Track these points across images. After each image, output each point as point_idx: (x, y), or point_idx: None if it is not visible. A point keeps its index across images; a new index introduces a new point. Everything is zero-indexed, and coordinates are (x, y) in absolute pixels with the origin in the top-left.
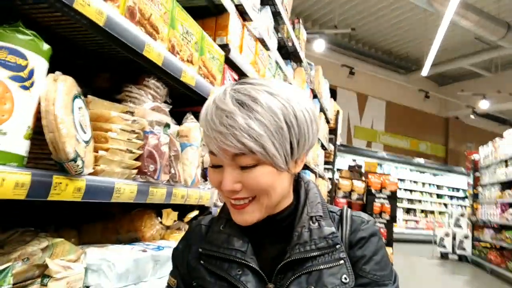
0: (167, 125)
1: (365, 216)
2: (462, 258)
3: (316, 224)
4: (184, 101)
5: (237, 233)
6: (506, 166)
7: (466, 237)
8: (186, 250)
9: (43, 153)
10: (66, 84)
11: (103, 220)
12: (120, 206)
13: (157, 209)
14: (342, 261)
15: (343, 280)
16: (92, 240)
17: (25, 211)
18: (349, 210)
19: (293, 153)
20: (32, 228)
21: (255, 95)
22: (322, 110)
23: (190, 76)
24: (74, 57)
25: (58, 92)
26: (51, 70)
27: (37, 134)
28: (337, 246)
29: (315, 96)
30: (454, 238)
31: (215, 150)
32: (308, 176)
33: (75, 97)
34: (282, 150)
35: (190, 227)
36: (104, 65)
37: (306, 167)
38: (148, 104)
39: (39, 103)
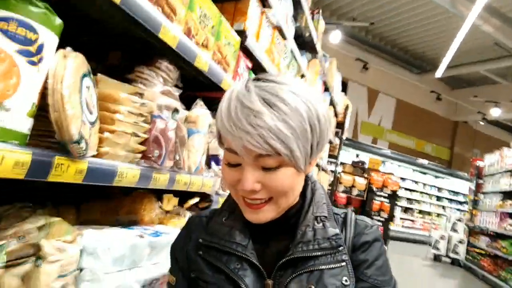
0: (175, 111)
1: (369, 220)
2: (454, 262)
3: (321, 224)
4: (195, 85)
5: (240, 227)
6: (511, 177)
7: (461, 241)
8: (186, 240)
9: (47, 130)
10: (75, 62)
11: (103, 200)
12: (123, 188)
13: (158, 193)
14: (344, 263)
15: (344, 282)
16: (90, 219)
17: (26, 189)
18: (353, 213)
19: (312, 155)
20: (31, 204)
21: (282, 96)
22: (332, 103)
23: (204, 61)
24: (88, 33)
25: (67, 70)
26: (63, 44)
27: (43, 110)
28: (340, 248)
29: (326, 89)
30: (449, 241)
31: (238, 149)
32: None
33: (84, 75)
34: (304, 152)
35: (189, 219)
36: (118, 43)
37: None
38: (158, 87)
39: (46, 80)
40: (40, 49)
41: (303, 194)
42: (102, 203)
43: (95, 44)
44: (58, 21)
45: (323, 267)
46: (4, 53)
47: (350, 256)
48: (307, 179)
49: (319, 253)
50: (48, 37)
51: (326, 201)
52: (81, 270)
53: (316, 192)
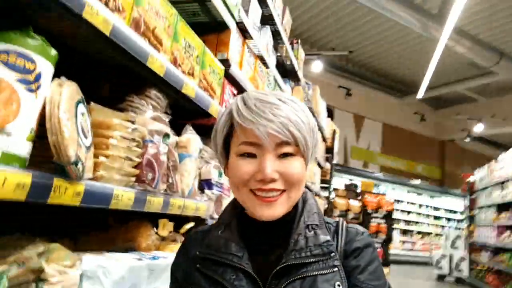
0: (166, 135)
1: (360, 228)
2: (459, 280)
3: (312, 232)
4: (184, 113)
5: (235, 239)
6: (502, 189)
7: (463, 259)
8: (184, 257)
9: (44, 156)
10: (70, 89)
11: (99, 231)
12: (118, 216)
13: (153, 219)
14: (336, 269)
15: (336, 286)
16: (88, 249)
17: (23, 219)
18: (344, 222)
19: (311, 155)
20: (28, 233)
21: (292, 98)
22: (319, 129)
23: (191, 88)
24: (78, 65)
25: (63, 96)
26: (56, 76)
27: (39, 138)
28: (332, 254)
29: (312, 115)
30: (451, 260)
31: (262, 135)
32: None
33: (78, 102)
34: (311, 146)
35: (187, 235)
36: (107, 74)
37: None
38: (149, 113)
39: (43, 107)
40: (38, 77)
41: (295, 204)
42: (98, 234)
43: (86, 76)
44: (53, 52)
45: (316, 272)
46: (5, 82)
47: (342, 263)
48: None
49: (311, 259)
50: (45, 67)
51: (317, 211)
52: None
53: (307, 202)
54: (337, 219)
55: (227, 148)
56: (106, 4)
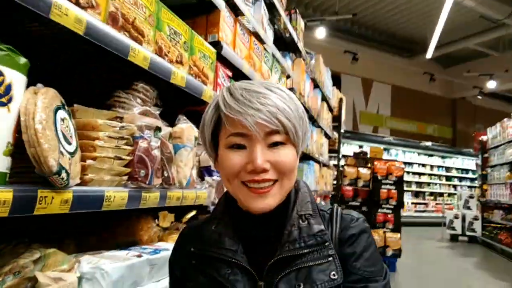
0: (157, 129)
1: (355, 214)
2: (472, 240)
3: (306, 222)
4: (177, 101)
5: (229, 233)
6: None
7: (475, 218)
8: (180, 253)
9: (28, 166)
10: (46, 97)
11: (100, 227)
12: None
13: (155, 212)
14: (330, 258)
15: (332, 276)
16: (91, 247)
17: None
18: (339, 208)
19: (302, 143)
20: (26, 240)
21: (279, 86)
22: (324, 99)
23: (180, 76)
24: (64, 65)
25: (38, 106)
26: (43, 79)
27: (21, 148)
28: (326, 244)
29: (316, 86)
30: (463, 220)
31: (251, 126)
32: (312, 166)
33: (58, 108)
34: (301, 134)
35: (181, 232)
36: (95, 71)
37: (309, 157)
38: (136, 109)
39: (19, 118)
40: (8, 89)
41: (287, 195)
42: (101, 230)
43: (71, 76)
44: (22, 60)
45: (311, 263)
46: None
47: (338, 251)
48: None
49: (305, 250)
50: (14, 77)
51: (310, 199)
52: None
53: (299, 191)
54: (331, 206)
55: (216, 141)
56: (77, 2)
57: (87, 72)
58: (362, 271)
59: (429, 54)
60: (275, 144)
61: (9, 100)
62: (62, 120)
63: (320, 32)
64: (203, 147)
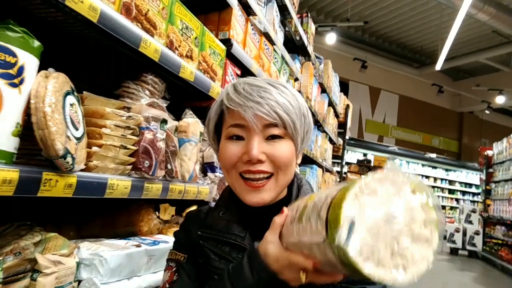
0: (163, 121)
1: None
2: (472, 254)
3: None
4: (185, 95)
5: (237, 220)
6: None
7: (477, 233)
8: (187, 232)
9: (35, 149)
10: (57, 81)
11: (101, 215)
12: (123, 201)
13: (157, 204)
14: None
15: None
16: (90, 234)
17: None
18: None
19: (304, 140)
20: (28, 222)
21: (283, 83)
22: (331, 104)
23: (189, 71)
24: (76, 52)
25: (48, 89)
26: (54, 64)
27: (29, 130)
28: None
29: (323, 91)
30: (464, 234)
31: (249, 117)
32: (315, 170)
33: (67, 93)
34: (301, 131)
35: (187, 214)
36: (105, 61)
37: (312, 161)
38: (144, 100)
39: (29, 100)
40: (20, 71)
41: (289, 190)
42: (100, 218)
43: (84, 62)
44: (36, 43)
45: None
46: None
47: None
48: (294, 175)
49: None
50: (27, 59)
51: None
52: (79, 282)
53: (302, 187)
54: None
55: (219, 134)
56: None
57: (98, 60)
58: None
59: (438, 66)
60: (273, 137)
61: (21, 82)
62: (71, 105)
63: (331, 38)
64: (208, 140)
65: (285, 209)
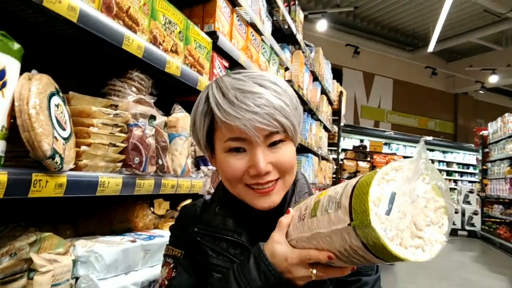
0: (152, 117)
1: None
2: (471, 234)
3: None
4: (172, 91)
5: (233, 216)
6: None
7: (475, 213)
8: (183, 228)
9: (24, 151)
10: (40, 83)
11: (96, 213)
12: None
13: (152, 200)
14: None
15: None
16: (87, 232)
17: (22, 208)
18: None
19: (298, 133)
20: (23, 223)
21: (271, 80)
22: (324, 92)
23: (175, 66)
24: (61, 53)
25: (32, 91)
26: (40, 65)
27: (16, 132)
28: None
29: (315, 79)
30: (463, 214)
31: (250, 131)
32: (311, 159)
33: (52, 94)
34: (298, 127)
35: (182, 208)
36: (91, 60)
37: (308, 150)
38: (131, 97)
39: (13, 103)
40: (2, 75)
41: None
42: (96, 216)
43: (69, 63)
44: (16, 46)
45: None
46: None
47: None
48: None
49: None
50: (8, 63)
51: (308, 190)
52: (77, 279)
53: (297, 182)
54: None
55: (211, 142)
56: None
57: (82, 60)
58: None
59: (430, 48)
60: (275, 143)
61: (3, 85)
62: (56, 106)
63: (322, 25)
64: (198, 147)
65: (290, 209)
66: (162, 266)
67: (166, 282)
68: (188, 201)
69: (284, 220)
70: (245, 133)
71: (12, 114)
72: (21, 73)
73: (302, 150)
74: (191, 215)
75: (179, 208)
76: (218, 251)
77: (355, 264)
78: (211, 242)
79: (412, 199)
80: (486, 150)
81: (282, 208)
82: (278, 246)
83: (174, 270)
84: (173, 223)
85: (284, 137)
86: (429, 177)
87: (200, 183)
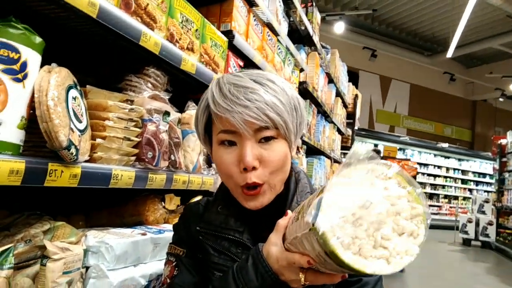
0: (166, 113)
1: None
2: (485, 245)
3: None
4: (187, 88)
5: (235, 215)
6: None
7: (490, 223)
8: (186, 226)
9: (41, 141)
10: (59, 76)
11: (108, 206)
12: (130, 193)
13: (163, 195)
14: None
15: None
16: (98, 224)
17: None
18: None
19: (296, 134)
20: (38, 212)
21: (268, 77)
22: (339, 94)
23: (190, 63)
24: (80, 47)
25: (51, 84)
26: (60, 59)
27: (35, 123)
28: None
29: (331, 81)
30: (477, 224)
31: (238, 124)
32: (323, 161)
33: (70, 87)
34: (293, 127)
35: (185, 207)
36: (109, 55)
37: (320, 152)
38: (146, 93)
39: (33, 94)
40: (23, 66)
41: (287, 184)
42: (108, 209)
43: (87, 58)
44: (38, 39)
45: None
46: None
47: None
48: (291, 169)
49: None
50: (30, 55)
51: (310, 190)
52: (87, 268)
53: (300, 182)
54: None
55: (209, 134)
56: None
57: (100, 55)
58: None
59: (449, 53)
60: (266, 139)
61: (24, 77)
62: (74, 98)
63: (339, 27)
64: (199, 141)
65: (289, 212)
66: (165, 264)
67: (168, 280)
68: (198, 198)
69: (282, 222)
70: (235, 126)
71: (31, 106)
72: (42, 66)
73: (315, 152)
74: (194, 214)
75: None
76: (220, 250)
77: (334, 271)
78: (212, 241)
79: (372, 199)
80: (504, 159)
81: (283, 207)
82: (273, 247)
83: (176, 269)
84: (180, 216)
85: (275, 134)
86: (402, 182)
87: (211, 180)
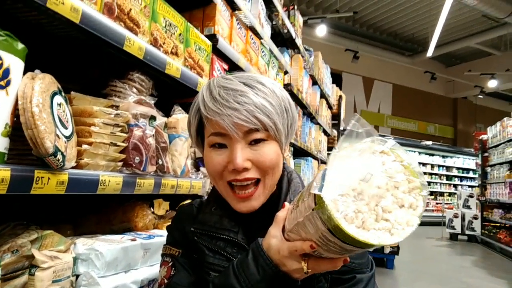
0: (152, 118)
1: None
2: (471, 239)
3: None
4: (172, 92)
5: (229, 216)
6: None
7: (475, 217)
8: (180, 227)
9: (26, 149)
10: (43, 82)
11: (97, 213)
12: (118, 199)
13: (152, 200)
14: None
15: None
16: (87, 231)
17: (23, 207)
18: None
19: (288, 135)
20: (24, 222)
21: (258, 80)
22: (323, 96)
23: (175, 68)
24: (64, 53)
25: (35, 90)
26: (43, 66)
27: (20, 131)
28: None
29: (315, 83)
30: (463, 219)
31: (228, 127)
32: (310, 162)
33: (54, 93)
34: (284, 129)
35: (179, 208)
36: (94, 61)
37: (307, 153)
38: (132, 98)
39: (17, 101)
40: (6, 73)
41: (279, 185)
42: (96, 216)
43: (72, 64)
44: (20, 46)
45: None
46: None
47: None
48: (283, 169)
49: None
50: (12, 62)
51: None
52: (77, 276)
53: (292, 181)
54: None
55: (202, 138)
56: None
57: (83, 61)
58: (350, 263)
59: (429, 53)
60: (256, 141)
61: (7, 84)
62: (59, 105)
63: (321, 30)
64: (192, 144)
65: (286, 204)
66: (161, 266)
67: (166, 281)
68: (188, 202)
69: (280, 214)
70: (225, 128)
71: (15, 113)
72: (25, 72)
73: (302, 153)
74: (187, 215)
75: (178, 209)
76: (215, 250)
77: (337, 253)
78: (207, 241)
79: (372, 172)
80: (486, 154)
81: (276, 207)
82: (273, 240)
83: (173, 268)
84: (173, 217)
85: (266, 136)
86: (397, 157)
87: (200, 183)
